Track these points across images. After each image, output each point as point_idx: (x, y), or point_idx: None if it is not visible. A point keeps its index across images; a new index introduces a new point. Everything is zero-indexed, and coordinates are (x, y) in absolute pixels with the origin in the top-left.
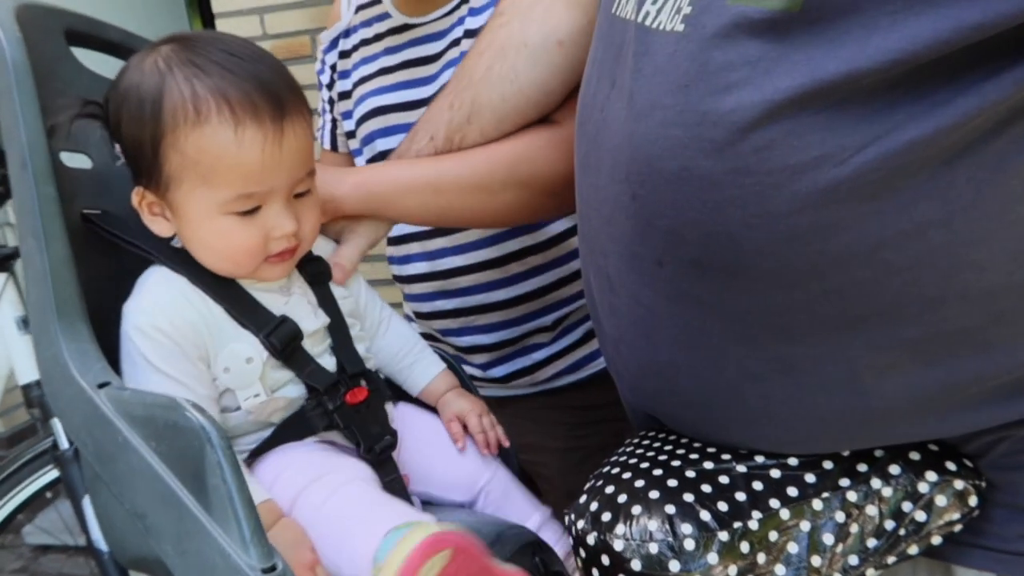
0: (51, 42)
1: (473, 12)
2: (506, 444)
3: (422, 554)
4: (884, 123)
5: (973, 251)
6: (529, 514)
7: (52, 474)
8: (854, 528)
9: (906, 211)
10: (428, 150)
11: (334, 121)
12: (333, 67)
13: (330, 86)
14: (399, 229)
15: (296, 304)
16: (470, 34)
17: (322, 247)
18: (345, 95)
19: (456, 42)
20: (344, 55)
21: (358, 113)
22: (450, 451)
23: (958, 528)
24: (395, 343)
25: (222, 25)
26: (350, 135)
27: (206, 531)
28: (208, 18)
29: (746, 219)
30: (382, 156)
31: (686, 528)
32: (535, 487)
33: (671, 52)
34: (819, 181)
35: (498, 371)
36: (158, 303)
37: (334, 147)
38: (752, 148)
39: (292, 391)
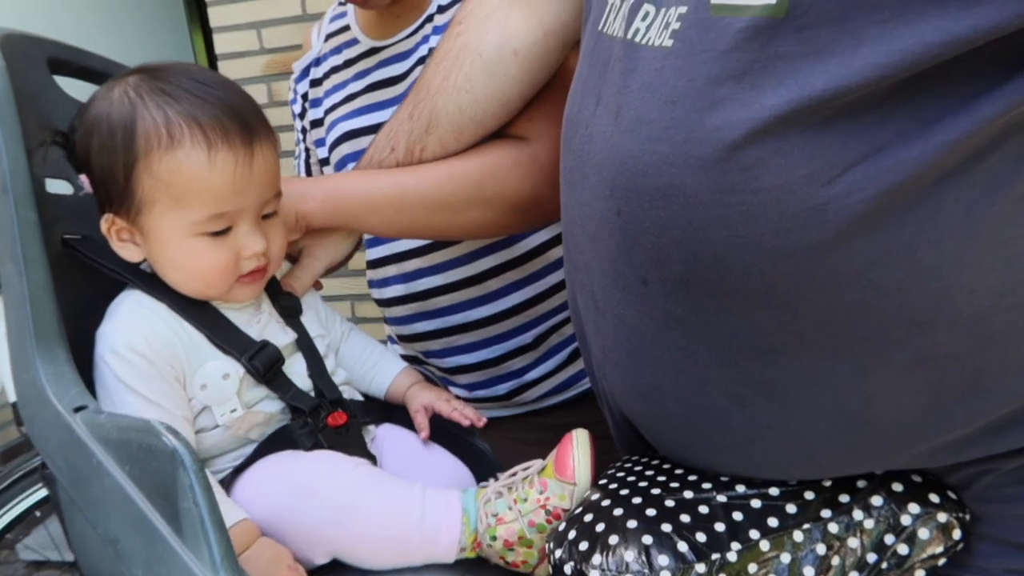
0: (34, 70)
1: (438, 30)
2: (480, 424)
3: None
4: (873, 141)
5: (962, 273)
6: None
7: (42, 492)
8: (835, 560)
9: (894, 231)
10: (390, 162)
11: (307, 150)
12: (304, 96)
13: (302, 115)
14: (376, 252)
15: (267, 323)
16: None
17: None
18: (317, 123)
19: (422, 60)
20: (315, 83)
21: (330, 139)
22: (431, 469)
23: (942, 562)
24: (357, 348)
25: (220, 39)
26: (324, 162)
27: (176, 555)
28: (207, 32)
29: (732, 239)
30: None
31: (662, 560)
32: None
33: (659, 68)
34: (807, 200)
35: (484, 392)
36: (133, 324)
37: (309, 176)
38: (739, 167)
39: (269, 406)
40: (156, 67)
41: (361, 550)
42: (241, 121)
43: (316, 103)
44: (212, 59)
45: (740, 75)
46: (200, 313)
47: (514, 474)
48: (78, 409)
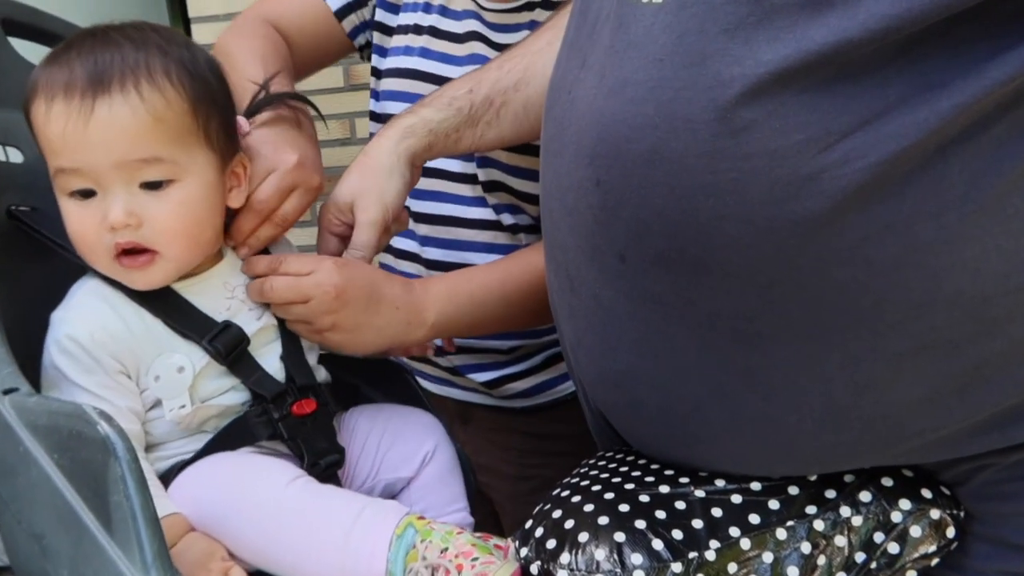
0: None
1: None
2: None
3: None
4: (875, 105)
5: (965, 250)
6: (455, 505)
7: None
8: (821, 560)
9: (893, 203)
10: (462, 100)
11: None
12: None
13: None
14: None
15: (238, 309)
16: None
17: (283, 248)
18: (374, 72)
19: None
20: (384, 30)
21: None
22: (398, 433)
23: (934, 562)
24: None
25: (197, 30)
26: (373, 117)
27: (104, 553)
28: (187, 23)
29: (718, 209)
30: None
31: (636, 558)
32: (492, 508)
33: (648, 25)
34: (801, 168)
35: (457, 362)
36: (81, 315)
37: (340, 14)
38: (729, 130)
39: (230, 398)
40: (87, 29)
41: (284, 572)
42: (96, 76)
43: (380, 51)
44: None
45: (733, 29)
46: (159, 299)
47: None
48: (8, 391)
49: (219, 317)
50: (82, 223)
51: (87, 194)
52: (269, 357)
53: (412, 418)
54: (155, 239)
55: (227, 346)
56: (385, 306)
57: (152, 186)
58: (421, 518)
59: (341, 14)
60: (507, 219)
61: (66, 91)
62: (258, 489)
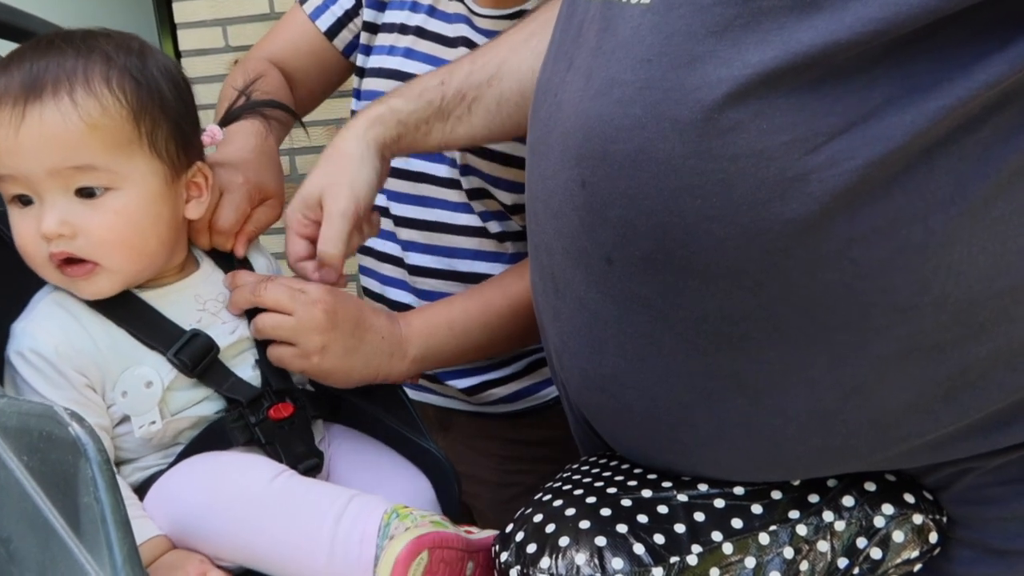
0: None
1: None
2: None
3: (406, 559)
4: (861, 107)
5: (951, 253)
6: None
7: None
8: (804, 566)
9: (880, 205)
10: (433, 93)
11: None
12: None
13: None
14: None
15: (211, 316)
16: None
17: (260, 263)
18: (358, 71)
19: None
20: (370, 28)
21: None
22: (385, 473)
23: (917, 567)
24: None
25: (184, 36)
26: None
27: (73, 556)
28: (174, 29)
29: (705, 210)
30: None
31: (616, 563)
32: (472, 519)
33: (635, 26)
34: (787, 170)
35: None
36: (45, 328)
37: (330, 34)
38: (717, 131)
39: (205, 408)
40: (37, 38)
41: (267, 567)
42: (29, 83)
43: (365, 49)
44: (177, 56)
45: (721, 31)
46: (123, 309)
47: None
48: None
49: (188, 326)
50: (22, 231)
51: (26, 201)
52: (243, 366)
53: (397, 478)
54: (91, 250)
55: (194, 357)
56: (372, 334)
57: (87, 194)
58: (405, 507)
59: (332, 33)
60: (494, 227)
61: (0, 99)
62: (244, 484)
